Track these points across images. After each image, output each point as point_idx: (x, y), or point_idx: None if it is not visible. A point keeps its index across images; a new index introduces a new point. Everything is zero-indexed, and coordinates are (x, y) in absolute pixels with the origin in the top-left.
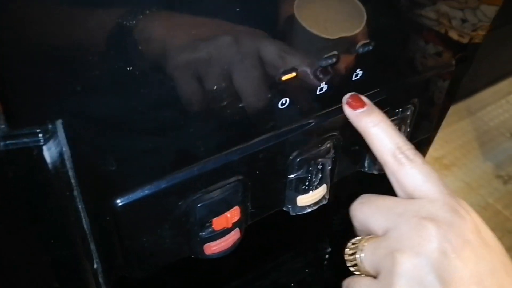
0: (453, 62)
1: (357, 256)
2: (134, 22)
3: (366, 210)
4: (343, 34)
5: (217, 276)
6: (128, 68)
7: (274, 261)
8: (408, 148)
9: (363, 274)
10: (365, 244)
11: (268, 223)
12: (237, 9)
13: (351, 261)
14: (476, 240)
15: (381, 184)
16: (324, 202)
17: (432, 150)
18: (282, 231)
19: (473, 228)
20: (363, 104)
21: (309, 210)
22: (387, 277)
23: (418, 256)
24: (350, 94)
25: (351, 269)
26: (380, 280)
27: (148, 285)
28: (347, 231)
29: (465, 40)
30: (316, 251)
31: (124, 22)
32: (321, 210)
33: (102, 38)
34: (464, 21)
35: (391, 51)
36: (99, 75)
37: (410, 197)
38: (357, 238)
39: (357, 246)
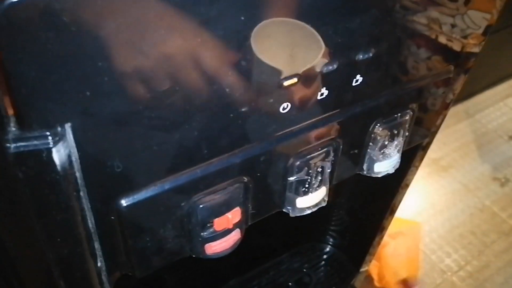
0: (452, 68)
1: None
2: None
3: None
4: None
5: (216, 275)
6: (129, 72)
7: (272, 261)
8: None
9: None
10: None
11: (267, 223)
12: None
13: None
14: None
15: (378, 186)
16: (323, 204)
17: (430, 152)
18: (280, 232)
19: None
20: None
21: (309, 211)
22: None
23: None
24: None
25: None
26: None
27: (148, 284)
28: (345, 231)
29: (462, 47)
30: (314, 251)
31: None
32: (319, 211)
33: (104, 44)
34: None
35: (389, 58)
36: (105, 80)
37: None
38: None
39: None
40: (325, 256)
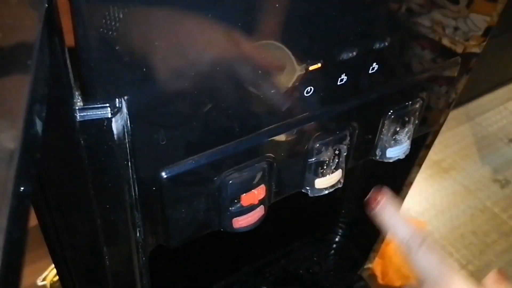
0: (459, 60)
1: None
2: None
3: None
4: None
5: (231, 262)
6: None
7: (284, 249)
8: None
9: None
10: None
11: (280, 214)
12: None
13: None
14: None
15: (384, 181)
16: (339, 186)
17: (432, 154)
18: (292, 222)
19: None
20: (381, 197)
21: (326, 192)
22: None
23: None
24: (371, 192)
25: None
26: None
27: (169, 267)
28: (354, 223)
29: (463, 49)
30: (324, 241)
31: None
32: (330, 202)
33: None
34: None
35: (402, 48)
36: (159, 59)
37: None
38: None
39: None
40: (334, 246)
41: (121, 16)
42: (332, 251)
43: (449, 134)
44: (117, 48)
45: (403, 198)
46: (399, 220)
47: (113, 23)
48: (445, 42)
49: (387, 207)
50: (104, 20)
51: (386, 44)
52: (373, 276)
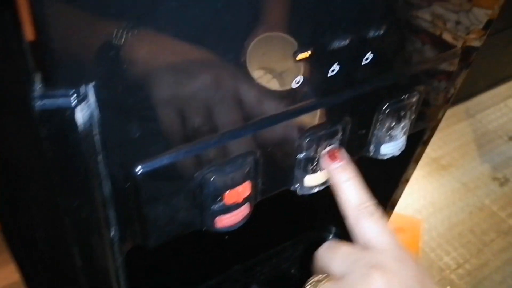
0: (459, 51)
1: None
2: None
3: (329, 255)
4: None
5: (220, 261)
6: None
7: (275, 248)
8: (370, 204)
9: None
10: (325, 284)
11: (271, 210)
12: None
13: None
14: (418, 286)
15: (379, 178)
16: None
17: (431, 151)
18: (283, 220)
19: (417, 275)
20: (340, 159)
21: (316, 190)
22: None
23: None
24: (331, 147)
25: None
26: None
27: (156, 260)
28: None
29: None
30: (317, 239)
31: None
32: (322, 200)
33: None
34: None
35: (399, 38)
36: (128, 43)
37: (367, 246)
38: (319, 276)
39: (317, 285)
40: None
41: None
42: None
43: (448, 131)
44: (80, 24)
45: (399, 196)
46: (357, 183)
47: None
48: (445, 33)
49: (345, 167)
50: None
51: (381, 32)
52: None
